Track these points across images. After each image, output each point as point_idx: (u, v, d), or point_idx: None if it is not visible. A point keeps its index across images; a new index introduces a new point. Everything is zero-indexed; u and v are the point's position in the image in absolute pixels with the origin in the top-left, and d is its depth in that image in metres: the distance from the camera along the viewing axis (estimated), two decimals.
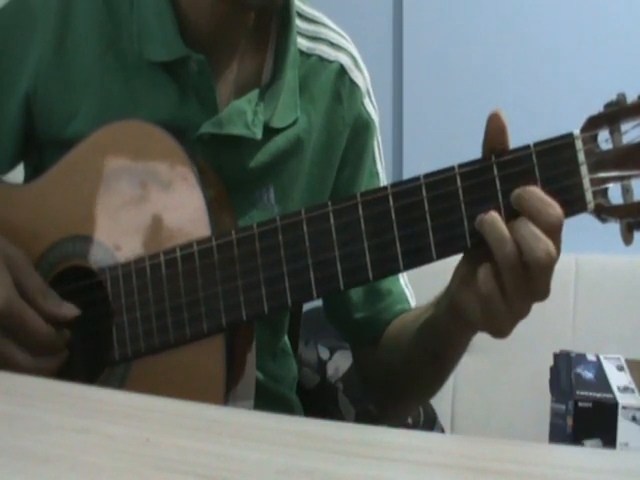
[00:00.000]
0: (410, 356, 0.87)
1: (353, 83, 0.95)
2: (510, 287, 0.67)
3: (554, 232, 0.66)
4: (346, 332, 0.99)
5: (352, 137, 0.95)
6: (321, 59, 0.93)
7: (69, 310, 0.80)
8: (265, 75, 0.90)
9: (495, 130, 0.68)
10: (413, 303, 0.97)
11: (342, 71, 0.94)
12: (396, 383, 0.93)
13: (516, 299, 0.68)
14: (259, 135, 0.86)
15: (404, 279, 0.97)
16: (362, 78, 0.97)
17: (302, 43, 0.92)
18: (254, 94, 0.87)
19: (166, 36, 0.85)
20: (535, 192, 0.66)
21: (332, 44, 0.95)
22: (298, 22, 0.93)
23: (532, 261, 0.66)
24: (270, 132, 0.87)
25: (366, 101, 0.96)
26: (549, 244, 0.65)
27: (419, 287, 0.99)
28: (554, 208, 0.65)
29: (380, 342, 0.95)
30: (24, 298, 0.78)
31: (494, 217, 0.67)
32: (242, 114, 0.85)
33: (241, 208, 0.83)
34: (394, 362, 0.91)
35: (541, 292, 0.68)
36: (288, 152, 0.89)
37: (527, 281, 0.67)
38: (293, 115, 0.89)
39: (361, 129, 0.96)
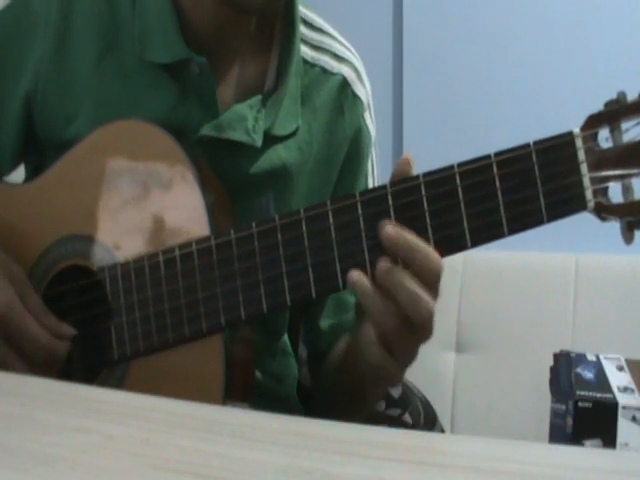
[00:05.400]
0: (334, 379, 0.90)
1: (355, 96, 0.94)
2: (389, 335, 0.69)
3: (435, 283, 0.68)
4: (309, 339, 0.99)
5: (350, 150, 0.94)
6: (324, 70, 0.92)
7: (67, 330, 0.80)
8: (268, 81, 0.89)
9: (399, 173, 0.71)
10: None
11: (345, 84, 0.93)
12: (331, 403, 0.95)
13: (396, 341, 0.69)
14: (259, 142, 0.85)
15: None
16: (364, 92, 0.96)
17: (306, 52, 0.92)
18: (256, 100, 0.87)
19: (168, 37, 0.85)
20: (411, 242, 0.67)
21: (336, 56, 0.94)
22: (303, 29, 0.92)
23: (415, 319, 0.67)
24: (271, 140, 0.87)
25: (366, 115, 0.95)
26: (430, 302, 0.67)
27: None
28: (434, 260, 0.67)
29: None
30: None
31: (361, 277, 0.68)
32: (243, 120, 0.85)
33: (241, 216, 0.82)
34: (327, 382, 0.93)
35: (422, 333, 0.69)
36: (289, 162, 0.88)
37: (409, 331, 0.68)
38: (294, 123, 0.89)
39: (358, 142, 0.95)
